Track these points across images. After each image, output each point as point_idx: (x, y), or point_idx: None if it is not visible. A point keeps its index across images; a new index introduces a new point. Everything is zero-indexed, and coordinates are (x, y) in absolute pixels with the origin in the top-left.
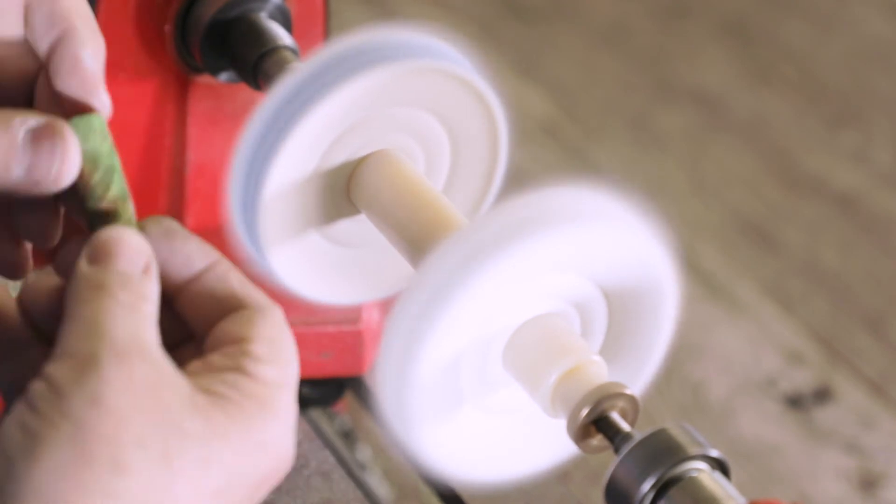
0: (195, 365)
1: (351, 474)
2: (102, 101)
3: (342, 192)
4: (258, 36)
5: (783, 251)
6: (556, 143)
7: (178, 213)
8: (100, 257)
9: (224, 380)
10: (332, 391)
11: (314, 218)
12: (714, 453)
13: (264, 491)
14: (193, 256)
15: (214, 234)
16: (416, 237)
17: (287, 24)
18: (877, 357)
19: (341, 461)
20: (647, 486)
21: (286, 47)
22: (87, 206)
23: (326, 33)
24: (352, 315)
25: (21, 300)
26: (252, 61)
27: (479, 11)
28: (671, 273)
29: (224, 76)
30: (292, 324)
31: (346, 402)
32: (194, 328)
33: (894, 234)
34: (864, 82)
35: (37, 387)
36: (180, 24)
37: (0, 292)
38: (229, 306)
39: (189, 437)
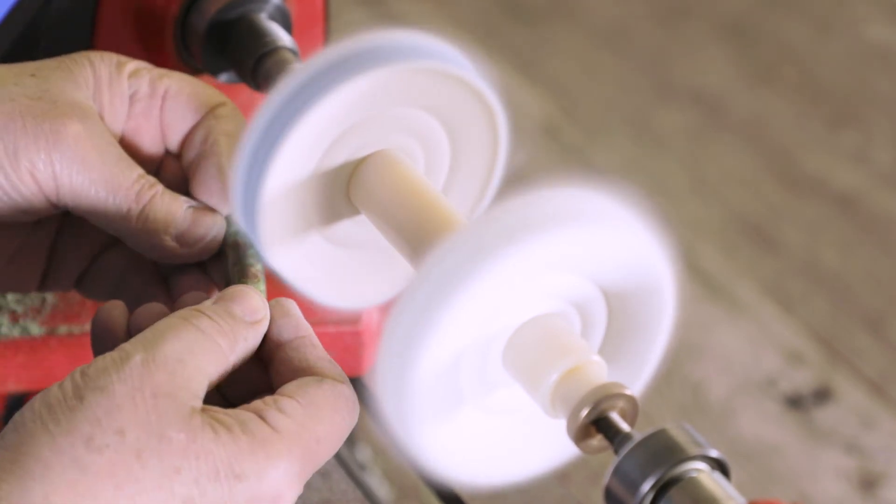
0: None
1: (351, 474)
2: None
3: (342, 192)
4: (258, 36)
5: (783, 251)
6: (556, 143)
7: None
8: (222, 298)
9: (235, 414)
10: None
11: (314, 218)
12: (714, 453)
13: None
14: (286, 327)
15: None
16: (416, 237)
17: (287, 25)
18: (877, 357)
19: (341, 461)
20: (646, 486)
21: (286, 48)
22: (235, 269)
23: (326, 34)
24: (352, 316)
25: (130, 321)
26: (252, 62)
27: (479, 12)
28: (671, 273)
29: (224, 76)
30: None
31: None
32: (275, 388)
33: (894, 234)
34: (864, 82)
35: (78, 369)
36: (180, 25)
37: (115, 311)
38: (301, 373)
39: (168, 445)
